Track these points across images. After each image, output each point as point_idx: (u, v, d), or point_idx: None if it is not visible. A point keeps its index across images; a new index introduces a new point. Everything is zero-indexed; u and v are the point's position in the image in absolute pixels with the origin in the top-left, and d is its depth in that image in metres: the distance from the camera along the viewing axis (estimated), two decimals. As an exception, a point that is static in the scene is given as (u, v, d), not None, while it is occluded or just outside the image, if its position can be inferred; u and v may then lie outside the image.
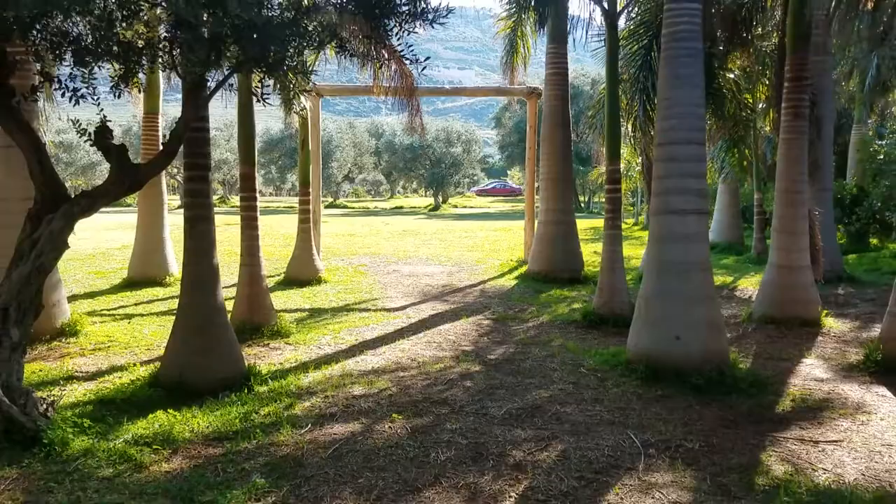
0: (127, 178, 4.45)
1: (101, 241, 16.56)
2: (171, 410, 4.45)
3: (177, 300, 8.63)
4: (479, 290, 10.17)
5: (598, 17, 8.02)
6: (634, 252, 15.75)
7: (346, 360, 6.09)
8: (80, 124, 4.53)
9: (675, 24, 5.43)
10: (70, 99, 4.43)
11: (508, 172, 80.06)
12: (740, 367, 5.65)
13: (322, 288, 10.14)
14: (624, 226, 25.83)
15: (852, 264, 12.44)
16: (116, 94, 4.38)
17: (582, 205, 38.71)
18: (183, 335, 5.18)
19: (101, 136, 4.53)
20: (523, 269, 11.63)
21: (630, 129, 11.10)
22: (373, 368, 5.80)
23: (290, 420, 4.39)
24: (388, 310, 8.55)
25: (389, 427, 4.30)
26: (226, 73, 4.54)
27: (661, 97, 5.59)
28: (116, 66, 4.35)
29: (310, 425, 4.32)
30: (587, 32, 9.02)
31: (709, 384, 5.14)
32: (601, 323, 7.38)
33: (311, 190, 11.45)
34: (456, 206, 42.57)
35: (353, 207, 42.79)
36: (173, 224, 10.54)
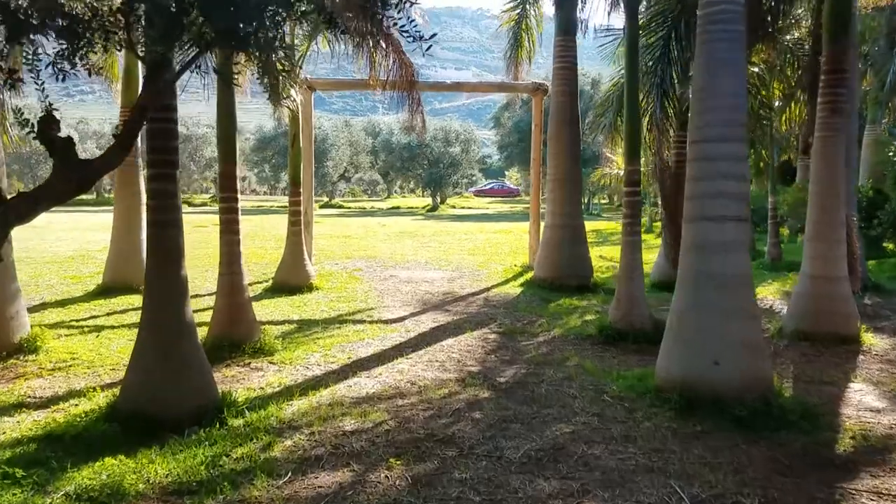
0: (74, 175, 3.74)
1: (83, 242, 15.80)
2: (121, 457, 3.72)
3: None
4: (482, 299, 9.48)
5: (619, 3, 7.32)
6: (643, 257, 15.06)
7: (337, 383, 5.38)
8: (23, 113, 3.83)
9: (713, 3, 4.75)
10: (4, 83, 3.74)
11: (506, 173, 79.61)
12: (784, 395, 4.97)
13: (313, 296, 9.42)
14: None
15: (873, 271, 11.79)
16: (59, 76, 3.67)
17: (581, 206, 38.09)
18: (145, 359, 4.46)
19: (46, 126, 3.82)
20: (529, 275, 10.93)
21: (646, 127, 10.48)
22: (367, 395, 5.09)
23: (266, 466, 3.68)
24: (385, 322, 7.84)
25: (386, 476, 3.59)
26: (191, 52, 3.83)
27: (695, 88, 4.90)
28: (61, 43, 3.65)
29: (290, 473, 3.61)
30: (609, 16, 8.33)
31: (753, 416, 4.46)
32: (619, 339, 6.69)
33: (302, 190, 10.75)
34: (454, 207, 41.90)
35: (349, 207, 42.08)
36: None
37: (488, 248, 16.89)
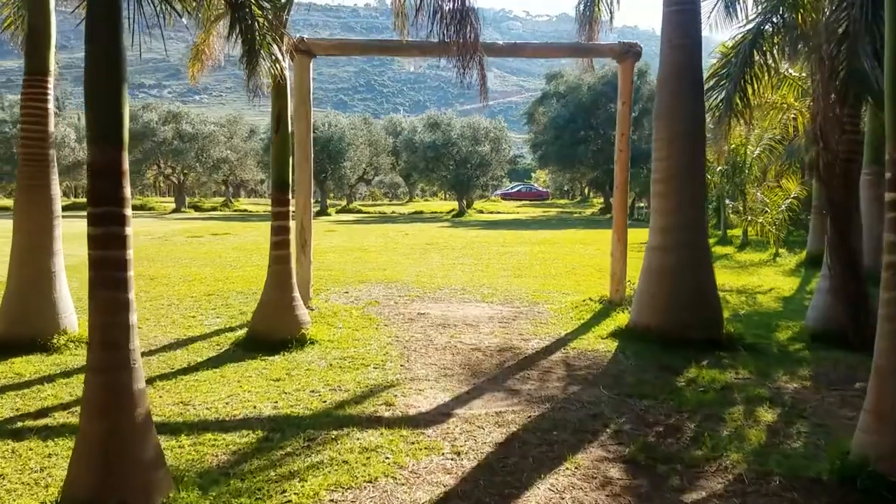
0: None
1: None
2: None
3: (62, 384, 4.83)
4: (561, 363, 6.16)
5: None
6: (742, 280, 11.60)
7: None
8: None
9: None
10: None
11: (533, 175, 76.00)
12: None
13: (304, 357, 6.19)
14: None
15: None
16: None
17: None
18: None
19: None
20: (619, 317, 7.58)
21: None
22: None
23: None
24: (414, 422, 4.57)
25: None
26: None
27: None
28: None
29: None
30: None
31: None
32: None
33: (296, 196, 7.60)
34: (482, 212, 38.57)
35: (369, 212, 39.02)
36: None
37: (537, 266, 13.56)
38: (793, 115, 14.15)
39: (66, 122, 35.30)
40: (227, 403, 4.90)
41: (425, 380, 5.59)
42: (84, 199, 41.74)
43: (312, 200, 8.85)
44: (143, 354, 6.28)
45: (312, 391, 5.20)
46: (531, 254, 15.91)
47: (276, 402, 4.94)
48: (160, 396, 5.06)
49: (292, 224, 8.30)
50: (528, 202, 52.09)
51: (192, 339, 6.85)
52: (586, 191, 59.52)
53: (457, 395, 5.22)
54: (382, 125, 45.11)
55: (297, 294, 6.81)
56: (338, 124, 34.48)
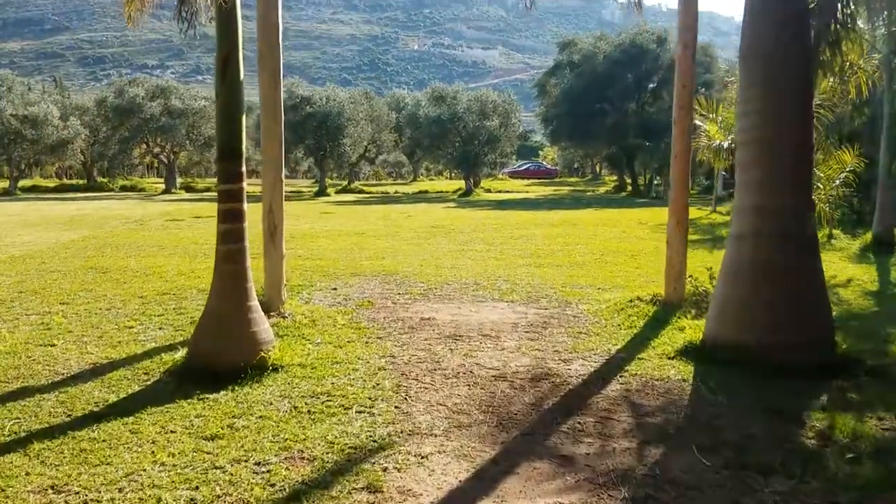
0: None
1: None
2: None
3: None
4: (623, 402, 4.35)
5: None
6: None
7: None
8: None
9: None
10: None
11: (540, 152, 73.69)
12: None
13: (260, 395, 4.41)
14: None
15: None
16: None
17: (641, 188, 32.38)
18: None
19: None
20: (685, 326, 5.75)
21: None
22: None
23: None
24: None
25: None
26: None
27: None
28: None
29: None
30: None
31: None
32: None
33: (263, 170, 5.79)
34: (490, 191, 36.62)
35: (371, 192, 37.13)
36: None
37: (558, 252, 11.73)
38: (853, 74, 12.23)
39: (51, 100, 33.36)
40: (119, 490, 3.13)
41: (430, 434, 3.81)
42: (73, 181, 39.72)
43: (301, 178, 7.01)
44: (38, 391, 4.54)
45: (258, 464, 3.42)
46: (550, 237, 14.09)
47: (198, 487, 3.16)
48: (26, 473, 3.30)
49: (260, 206, 6.54)
50: (536, 181, 50.15)
51: (116, 364, 5.08)
52: (598, 168, 57.38)
53: (478, 465, 3.44)
54: (385, 101, 42.95)
55: (254, 303, 5.00)
56: (336, 98, 32.39)
